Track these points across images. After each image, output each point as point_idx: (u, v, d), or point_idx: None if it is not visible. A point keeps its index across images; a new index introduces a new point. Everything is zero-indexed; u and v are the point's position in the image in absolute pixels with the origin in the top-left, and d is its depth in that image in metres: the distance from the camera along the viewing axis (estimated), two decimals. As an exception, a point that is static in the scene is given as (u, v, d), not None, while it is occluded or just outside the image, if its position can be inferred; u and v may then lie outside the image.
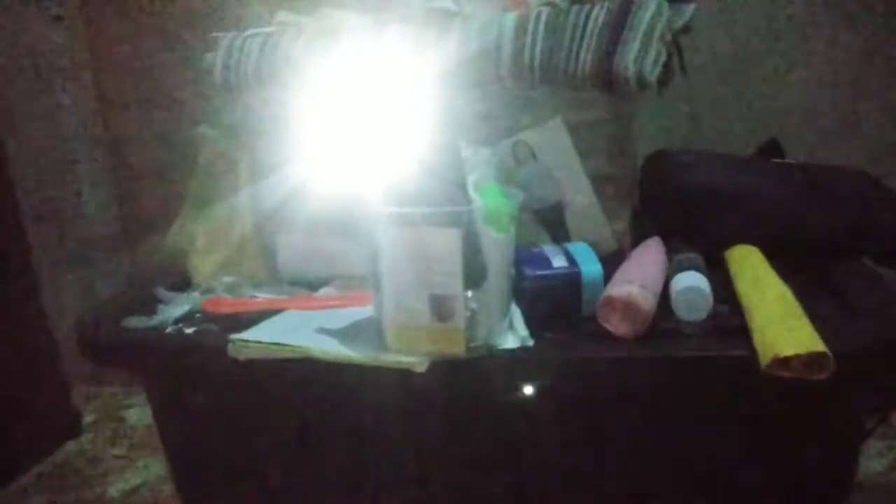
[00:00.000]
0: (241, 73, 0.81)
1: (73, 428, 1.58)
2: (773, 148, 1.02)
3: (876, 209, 0.81)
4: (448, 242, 0.59)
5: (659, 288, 0.69)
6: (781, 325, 0.57)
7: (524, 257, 0.71)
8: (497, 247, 0.62)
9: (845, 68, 1.27)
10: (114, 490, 1.38)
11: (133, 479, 1.42)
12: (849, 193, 0.85)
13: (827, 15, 1.26)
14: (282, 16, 0.87)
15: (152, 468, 1.45)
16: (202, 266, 0.87)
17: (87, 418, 1.66)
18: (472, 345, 0.63)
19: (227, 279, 0.87)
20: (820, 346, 0.53)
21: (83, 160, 1.52)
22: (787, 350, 0.53)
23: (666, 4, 0.74)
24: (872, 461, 1.35)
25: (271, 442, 0.72)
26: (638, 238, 0.84)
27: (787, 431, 0.63)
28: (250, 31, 0.83)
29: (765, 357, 0.54)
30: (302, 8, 0.97)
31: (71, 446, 1.56)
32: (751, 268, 0.71)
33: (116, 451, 1.54)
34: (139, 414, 1.69)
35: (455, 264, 0.60)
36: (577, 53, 0.71)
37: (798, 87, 1.28)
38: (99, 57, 1.47)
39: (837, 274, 0.73)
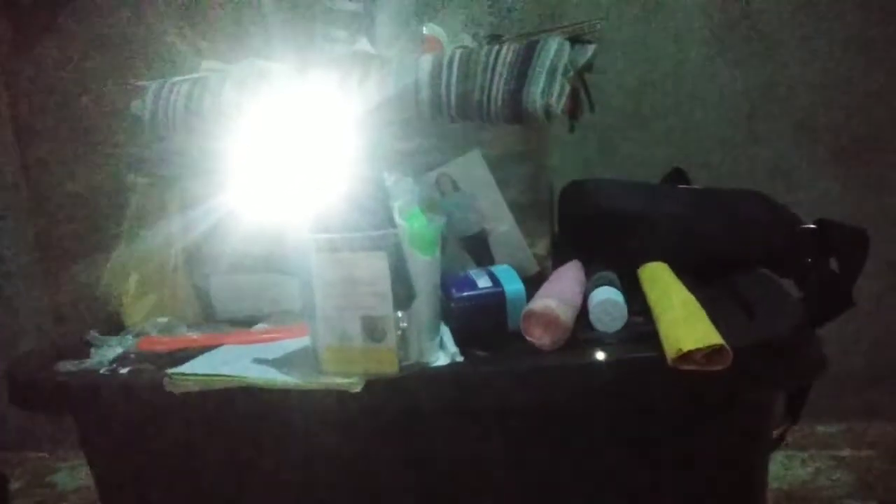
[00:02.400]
0: (170, 118, 0.83)
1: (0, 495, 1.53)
2: (678, 175, 1.10)
3: (768, 225, 0.88)
4: (376, 265, 0.62)
5: (578, 302, 0.74)
6: (685, 324, 0.62)
7: (451, 280, 0.74)
8: (424, 268, 0.66)
9: (742, 101, 1.39)
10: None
11: (65, 543, 1.38)
12: (746, 212, 0.92)
13: (721, 57, 1.38)
14: (208, 64, 0.90)
15: (84, 532, 1.41)
16: (135, 309, 0.88)
17: (15, 484, 1.60)
18: (404, 363, 0.66)
19: (161, 320, 0.87)
20: (718, 340, 0.58)
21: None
22: (689, 345, 0.58)
23: (567, 44, 0.81)
24: (797, 470, 1.43)
25: (212, 476, 0.73)
26: (558, 262, 0.89)
27: (695, 434, 0.68)
28: (177, 78, 0.86)
29: (670, 353, 0.59)
30: (228, 58, 1.01)
31: (-2, 514, 1.51)
32: (660, 280, 0.77)
33: (47, 517, 1.49)
34: (68, 477, 1.65)
35: (384, 286, 0.63)
36: (490, 91, 0.76)
37: (699, 118, 1.40)
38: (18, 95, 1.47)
39: (738, 282, 0.79)
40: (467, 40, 1.00)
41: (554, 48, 0.78)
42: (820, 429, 1.51)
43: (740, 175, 1.41)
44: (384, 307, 0.64)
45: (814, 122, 1.39)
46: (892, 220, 1.40)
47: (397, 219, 0.65)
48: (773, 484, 1.36)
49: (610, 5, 1.37)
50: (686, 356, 0.58)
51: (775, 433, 0.91)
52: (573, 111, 0.97)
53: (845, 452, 1.44)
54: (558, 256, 0.91)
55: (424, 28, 0.94)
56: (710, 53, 1.38)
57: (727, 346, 0.58)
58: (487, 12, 1.42)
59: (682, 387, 0.61)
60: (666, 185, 1.06)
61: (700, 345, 0.58)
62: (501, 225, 0.84)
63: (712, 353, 0.59)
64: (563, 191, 1.00)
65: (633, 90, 1.40)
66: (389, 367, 0.65)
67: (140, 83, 0.87)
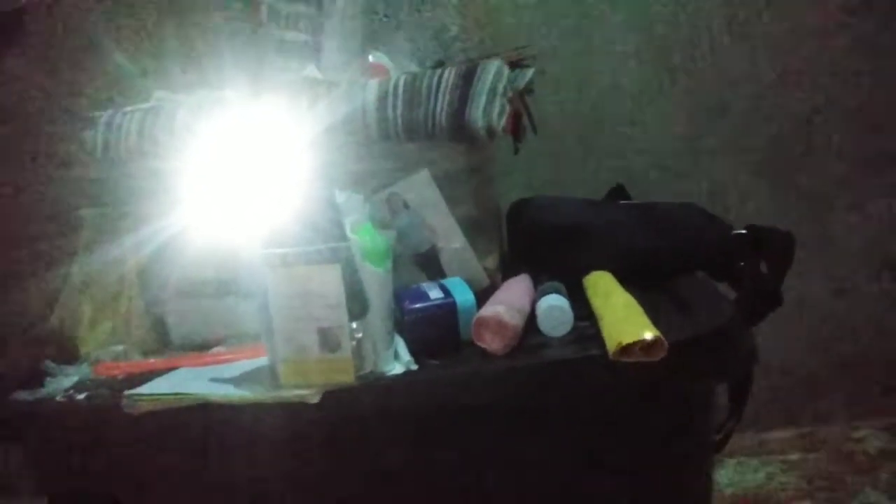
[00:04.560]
0: (122, 145, 0.84)
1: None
2: (619, 191, 1.15)
3: (703, 232, 0.93)
4: (330, 278, 0.65)
5: (526, 309, 0.77)
6: (625, 321, 0.66)
7: (404, 293, 0.77)
8: (376, 280, 0.69)
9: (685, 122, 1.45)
10: None
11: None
12: (681, 222, 0.97)
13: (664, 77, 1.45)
14: (160, 94, 0.92)
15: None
16: (90, 337, 0.88)
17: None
18: (360, 373, 0.68)
19: (116, 348, 0.87)
20: (654, 332, 0.62)
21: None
22: (628, 338, 0.62)
23: (506, 67, 0.86)
24: (749, 475, 1.47)
25: (171, 496, 0.73)
26: (508, 277, 0.92)
27: (639, 430, 0.71)
28: (129, 108, 0.88)
29: (611, 347, 0.63)
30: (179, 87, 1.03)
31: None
32: (603, 287, 0.81)
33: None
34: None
35: (338, 297, 0.65)
36: (434, 112, 0.80)
37: (642, 139, 1.46)
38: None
39: (676, 285, 0.83)
40: (413, 68, 1.04)
41: (493, 70, 0.82)
42: (771, 435, 1.56)
43: (678, 194, 1.47)
44: (339, 318, 0.66)
45: (747, 143, 1.46)
46: (832, 234, 1.48)
47: (349, 233, 0.67)
48: (726, 490, 1.40)
49: (551, 38, 1.43)
50: (626, 349, 0.62)
51: (720, 434, 0.95)
52: (516, 133, 1.02)
53: (795, 456, 1.49)
54: (507, 272, 0.94)
55: (371, 56, 0.98)
56: (647, 77, 1.45)
57: (662, 338, 0.62)
58: (432, 42, 1.46)
59: (625, 381, 0.64)
60: (607, 201, 1.11)
61: (638, 337, 0.61)
62: (451, 241, 0.87)
63: (650, 345, 0.62)
64: (510, 208, 1.04)
65: (574, 115, 1.46)
66: (346, 377, 0.67)
67: (91, 114, 0.88)
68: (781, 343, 1.49)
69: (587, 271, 0.90)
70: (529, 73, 0.93)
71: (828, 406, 1.55)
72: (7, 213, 1.40)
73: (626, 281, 0.85)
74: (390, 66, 0.99)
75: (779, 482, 1.42)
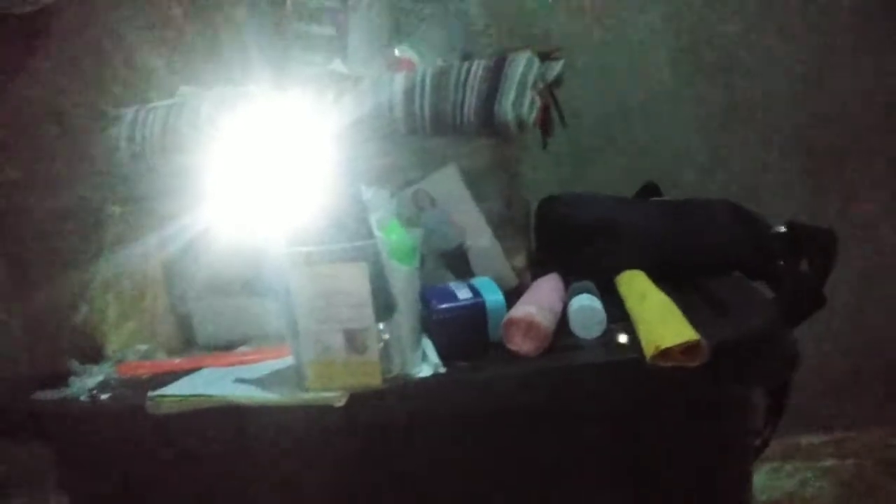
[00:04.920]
0: (147, 141, 0.83)
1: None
2: (651, 189, 1.12)
3: (740, 230, 0.90)
4: (356, 276, 0.63)
5: (557, 310, 0.74)
6: (662, 323, 0.63)
7: (431, 293, 0.75)
8: (404, 279, 0.67)
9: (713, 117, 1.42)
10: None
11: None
12: (716, 219, 0.94)
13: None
14: (184, 90, 0.91)
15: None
16: (115, 337, 0.87)
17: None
18: (387, 375, 0.66)
19: (142, 347, 0.87)
20: (694, 336, 0.59)
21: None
22: (667, 342, 0.59)
23: (536, 59, 0.83)
24: (783, 481, 1.43)
25: (193, 499, 0.72)
26: (536, 276, 0.90)
27: (677, 435, 0.68)
28: (153, 105, 0.87)
29: (649, 351, 0.60)
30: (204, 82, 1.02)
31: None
32: (637, 287, 0.78)
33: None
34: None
35: (365, 297, 0.63)
36: (462, 105, 0.78)
37: (671, 133, 1.43)
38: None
39: (712, 286, 0.80)
40: (439, 62, 1.02)
41: (523, 63, 0.80)
42: (804, 440, 1.52)
43: (711, 192, 1.44)
44: (365, 319, 0.64)
45: (780, 137, 1.42)
46: (862, 229, 1.43)
47: (375, 230, 0.65)
48: (759, 496, 1.37)
49: (579, 31, 1.41)
50: (664, 353, 0.59)
51: (757, 441, 0.91)
52: (545, 127, 0.99)
53: (829, 462, 1.45)
54: (537, 271, 0.92)
55: (396, 50, 0.96)
56: (678, 73, 1.42)
57: (703, 342, 0.59)
58: (459, 36, 1.44)
59: (662, 386, 0.62)
60: (639, 199, 1.08)
61: (677, 341, 0.59)
62: (480, 239, 0.85)
63: (689, 349, 0.59)
64: (539, 205, 1.02)
65: (604, 112, 1.43)
66: (373, 380, 0.65)
67: (116, 110, 0.88)
68: (815, 344, 1.46)
69: (619, 270, 0.87)
70: (559, 65, 0.91)
71: (862, 410, 1.51)
72: (34, 209, 1.40)
73: (660, 281, 0.82)
74: (416, 59, 0.97)
75: (812, 488, 1.38)
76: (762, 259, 0.86)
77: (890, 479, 1.36)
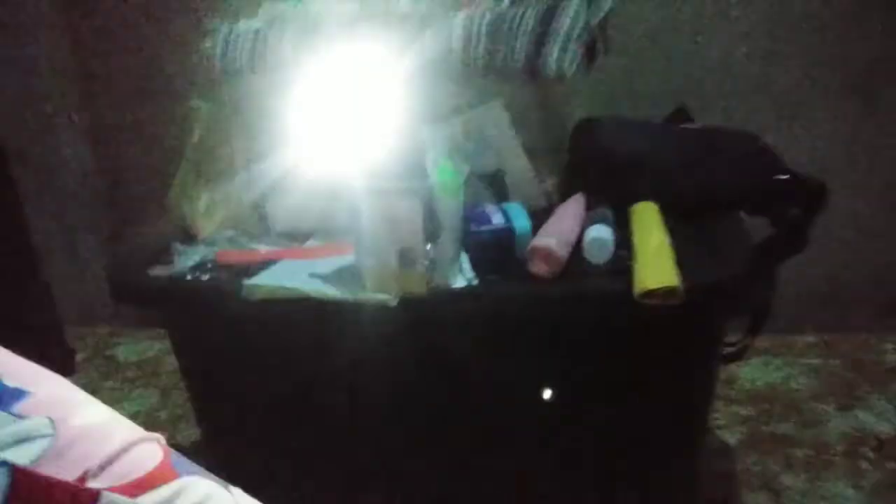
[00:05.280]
0: (237, 61, 0.96)
1: (67, 366, 1.72)
2: (682, 114, 1.22)
3: (749, 172, 1.01)
4: (412, 209, 0.78)
5: (573, 239, 0.89)
6: (652, 265, 0.78)
7: (471, 215, 0.90)
8: (449, 210, 0.82)
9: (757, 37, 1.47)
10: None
11: (130, 408, 1.60)
12: (733, 158, 1.05)
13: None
14: (267, 7, 1.02)
15: (146, 399, 1.62)
16: (206, 223, 1.05)
17: (80, 356, 1.81)
18: (431, 285, 0.83)
19: (228, 233, 1.04)
20: (674, 281, 0.75)
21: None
22: (651, 284, 0.74)
23: (585, 5, 0.92)
24: (771, 374, 1.60)
25: (278, 370, 0.92)
26: (567, 193, 1.03)
27: (660, 355, 0.85)
28: (242, 25, 0.99)
29: (637, 289, 0.76)
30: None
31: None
32: (644, 221, 0.92)
33: (111, 384, 1.71)
34: (127, 351, 1.86)
35: (417, 225, 0.79)
36: (513, 52, 0.89)
37: (714, 51, 1.49)
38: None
39: (712, 223, 0.94)
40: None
41: (571, 15, 0.89)
42: (798, 339, 1.68)
43: (753, 106, 1.52)
44: (416, 241, 0.80)
45: (823, 56, 1.48)
46: (888, 153, 1.52)
47: (429, 169, 0.80)
48: (745, 385, 1.55)
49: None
50: (649, 293, 0.75)
51: (736, 347, 1.08)
52: (590, 58, 1.08)
53: (815, 361, 1.62)
54: (568, 183, 1.05)
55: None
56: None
57: (681, 288, 0.74)
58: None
59: (646, 316, 0.77)
60: (668, 125, 1.18)
61: (659, 285, 0.74)
62: (517, 165, 0.98)
63: (669, 291, 0.75)
64: (575, 127, 1.13)
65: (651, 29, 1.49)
66: (419, 288, 0.82)
67: (211, 23, 1.00)
68: (823, 252, 1.58)
69: (637, 199, 1.00)
70: (608, 3, 0.99)
71: (855, 315, 1.66)
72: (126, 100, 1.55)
73: (671, 211, 0.95)
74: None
75: (797, 383, 1.55)
76: (764, 201, 0.98)
77: (868, 383, 1.52)
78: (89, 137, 1.74)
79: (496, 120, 0.96)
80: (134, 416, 1.27)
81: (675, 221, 0.93)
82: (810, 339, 1.68)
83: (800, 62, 1.49)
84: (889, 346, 1.63)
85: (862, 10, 1.44)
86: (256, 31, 0.96)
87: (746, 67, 1.50)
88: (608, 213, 0.96)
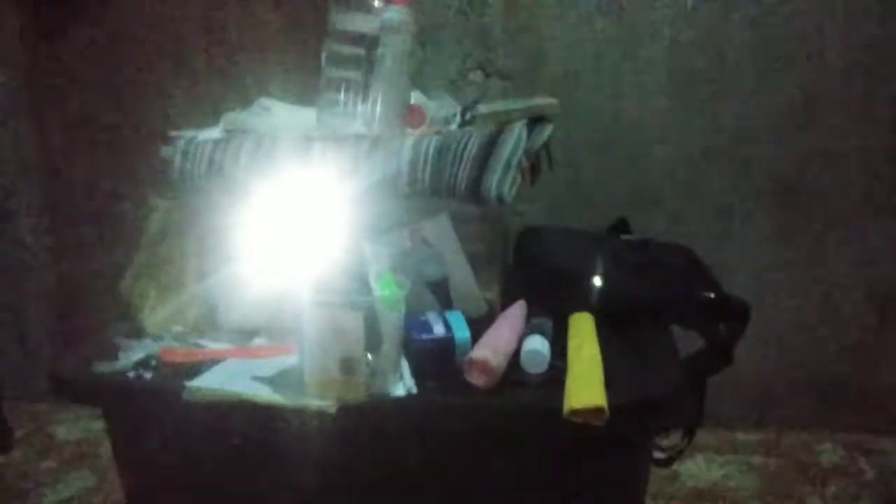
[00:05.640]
0: (194, 174, 1.01)
1: (4, 442, 1.68)
2: (622, 225, 1.29)
3: (680, 288, 1.08)
4: (353, 321, 0.82)
5: (511, 348, 0.93)
6: (580, 383, 0.82)
7: (413, 323, 0.93)
8: (390, 321, 0.86)
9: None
10: (46, 501, 1.52)
11: (64, 491, 1.56)
12: (666, 272, 1.12)
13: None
14: (229, 118, 1.07)
15: (81, 480, 1.59)
16: (153, 319, 1.06)
17: (18, 433, 1.77)
18: (371, 392, 0.86)
19: (176, 329, 1.06)
20: (600, 401, 0.78)
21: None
22: (577, 404, 0.78)
23: (525, 133, 0.99)
24: (712, 472, 1.63)
25: (216, 473, 0.92)
26: (509, 300, 1.08)
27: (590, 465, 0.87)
28: (202, 136, 1.04)
29: (566, 408, 0.79)
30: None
31: (2, 460, 1.67)
32: (579, 333, 0.97)
33: (48, 464, 1.67)
34: (67, 430, 1.82)
35: (359, 336, 0.82)
36: (456, 177, 0.95)
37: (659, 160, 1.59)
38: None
39: (643, 337, 0.99)
40: (447, 102, 1.18)
41: (512, 142, 0.96)
42: (739, 437, 1.73)
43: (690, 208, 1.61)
44: (357, 351, 0.83)
45: (752, 168, 1.59)
46: (819, 256, 1.61)
47: (372, 283, 0.84)
48: (688, 483, 1.58)
49: (590, 50, 1.55)
50: (576, 412, 0.78)
51: (670, 452, 1.12)
52: (533, 176, 1.15)
53: (756, 459, 1.66)
54: (510, 289, 1.09)
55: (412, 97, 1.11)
56: (670, 104, 1.57)
57: (605, 409, 0.78)
58: (477, 48, 1.59)
59: (575, 431, 0.81)
60: (607, 236, 1.25)
61: (585, 404, 0.78)
62: (460, 274, 1.03)
63: (596, 410, 0.79)
64: (518, 235, 1.19)
65: (602, 131, 1.59)
66: (359, 395, 0.85)
67: (172, 133, 1.04)
68: (760, 352, 1.66)
69: (575, 309, 1.05)
70: (547, 129, 1.07)
71: (796, 414, 1.72)
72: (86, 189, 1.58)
73: (604, 322, 1.00)
74: (427, 104, 1.13)
75: (736, 481, 1.58)
76: (694, 316, 1.04)
77: (806, 484, 1.56)
78: (45, 219, 1.76)
79: (442, 232, 1.01)
80: (68, 501, 1.24)
81: (610, 333, 0.98)
82: (752, 437, 1.72)
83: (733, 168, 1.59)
84: (828, 445, 1.68)
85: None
86: (214, 145, 1.01)
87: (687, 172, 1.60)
88: (547, 323, 1.00)
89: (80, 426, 1.82)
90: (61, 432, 1.81)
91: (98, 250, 1.66)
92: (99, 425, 1.76)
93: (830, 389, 1.70)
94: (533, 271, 1.11)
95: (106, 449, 1.63)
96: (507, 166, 0.94)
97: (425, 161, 0.95)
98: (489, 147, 0.95)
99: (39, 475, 1.60)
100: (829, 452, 1.67)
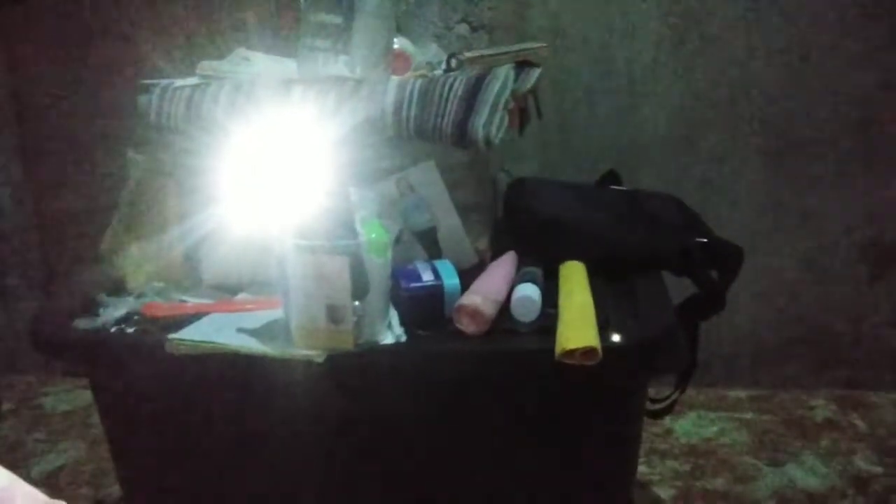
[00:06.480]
0: (172, 119, 0.97)
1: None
2: (612, 177, 1.27)
3: (671, 235, 1.06)
4: (339, 267, 0.79)
5: (501, 297, 0.91)
6: (574, 325, 0.80)
7: (401, 272, 0.91)
8: (377, 268, 0.83)
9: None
10: (36, 472, 1.50)
11: (55, 460, 1.55)
12: (656, 220, 1.10)
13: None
14: (205, 66, 1.03)
15: (72, 450, 1.57)
16: (135, 275, 1.04)
17: (5, 406, 1.76)
18: (359, 341, 0.84)
19: (158, 285, 1.03)
20: (593, 342, 0.77)
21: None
22: (571, 344, 0.76)
23: (512, 75, 0.96)
24: (705, 428, 1.63)
25: (201, 424, 0.90)
26: (499, 251, 1.06)
27: (583, 411, 0.86)
28: (178, 83, 1.00)
29: (558, 349, 0.78)
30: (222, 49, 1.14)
31: (-10, 432, 1.66)
32: (570, 281, 0.95)
33: (37, 435, 1.66)
34: (55, 401, 1.80)
35: (345, 282, 0.80)
36: (442, 119, 0.92)
37: (646, 116, 1.56)
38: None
39: (634, 283, 0.97)
40: (433, 50, 1.14)
41: (499, 83, 0.93)
42: (731, 394, 1.73)
43: (680, 165, 1.59)
44: (344, 298, 0.81)
45: (748, 118, 1.56)
46: (807, 215, 1.60)
47: (358, 228, 0.81)
48: (681, 440, 1.57)
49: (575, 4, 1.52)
50: (569, 353, 0.77)
51: (664, 403, 1.11)
52: (521, 122, 1.13)
53: (749, 416, 1.66)
54: (500, 240, 1.07)
55: (395, 41, 1.08)
56: (659, 56, 1.54)
57: (598, 349, 0.76)
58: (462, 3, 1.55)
59: (568, 375, 0.79)
60: (597, 188, 1.23)
61: (579, 345, 0.76)
62: (448, 223, 1.01)
63: (588, 351, 0.77)
64: (508, 187, 1.16)
65: (590, 81, 1.56)
66: (346, 345, 0.83)
67: (147, 81, 1.01)
68: (754, 308, 1.65)
69: (566, 258, 1.03)
70: (535, 73, 1.04)
71: (790, 372, 1.72)
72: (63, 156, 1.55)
73: (595, 271, 0.99)
74: (412, 51, 1.10)
75: (730, 438, 1.58)
76: (685, 264, 1.02)
77: (797, 436, 1.56)
78: (27, 187, 1.72)
79: (429, 179, 0.99)
80: (59, 470, 1.23)
81: (601, 281, 0.96)
82: (743, 394, 1.72)
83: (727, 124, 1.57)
84: (820, 401, 1.68)
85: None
86: (192, 89, 0.97)
87: (677, 128, 1.58)
88: (537, 272, 0.98)
89: (69, 397, 1.80)
90: (50, 403, 1.80)
91: (80, 209, 1.63)
92: (88, 396, 1.75)
93: (821, 345, 1.69)
94: (523, 222, 1.08)
95: (96, 419, 1.62)
96: (494, 107, 0.91)
97: (409, 102, 0.92)
98: (475, 88, 0.93)
99: (29, 447, 1.59)
100: (821, 408, 1.67)
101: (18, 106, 1.65)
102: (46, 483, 1.45)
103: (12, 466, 1.53)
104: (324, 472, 0.92)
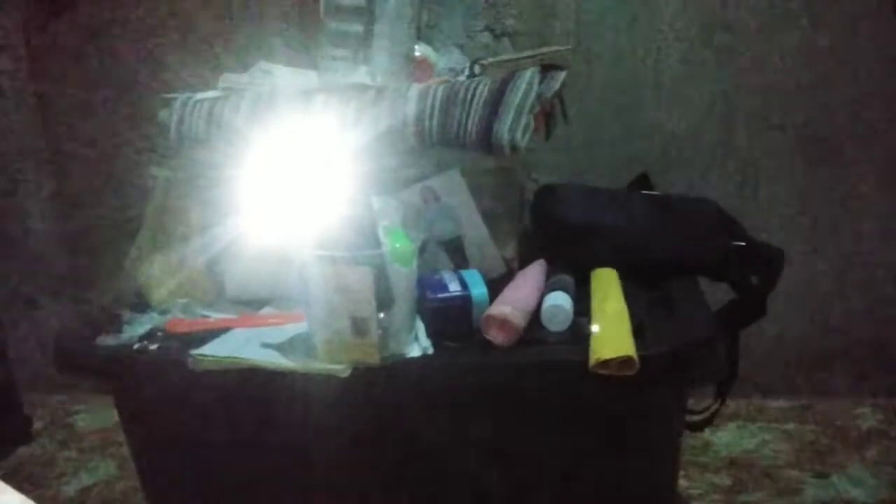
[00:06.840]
0: (192, 133, 0.96)
1: (24, 434, 1.67)
2: (643, 181, 1.23)
3: (707, 239, 1.02)
4: (363, 278, 0.77)
5: (531, 306, 0.88)
6: (609, 335, 0.77)
7: (427, 282, 0.89)
8: (402, 278, 0.81)
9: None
10: (66, 491, 1.50)
11: (86, 478, 1.55)
12: (691, 223, 1.06)
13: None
14: (226, 79, 1.02)
15: (102, 469, 1.57)
16: (158, 291, 1.02)
17: (37, 424, 1.76)
18: (384, 354, 0.81)
19: (182, 301, 1.02)
20: (629, 352, 0.73)
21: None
22: (606, 354, 0.73)
23: (538, 77, 0.93)
24: (746, 440, 1.58)
25: (225, 440, 0.88)
26: (527, 260, 1.03)
27: (619, 423, 0.83)
28: (199, 95, 0.99)
29: (592, 359, 0.74)
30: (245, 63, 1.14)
31: (23, 451, 1.66)
32: (603, 288, 0.91)
33: (67, 454, 1.66)
34: (86, 419, 1.81)
35: (369, 294, 0.77)
36: (465, 125, 0.90)
37: (674, 124, 1.52)
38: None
39: (670, 288, 0.93)
40: (456, 56, 1.12)
41: (524, 86, 0.90)
42: (772, 404, 1.67)
43: (714, 168, 1.55)
44: (368, 310, 0.78)
45: (782, 122, 1.52)
46: (849, 216, 1.54)
47: (382, 238, 0.79)
48: (721, 451, 1.52)
49: (600, 9, 1.48)
50: (605, 363, 0.73)
51: (703, 414, 1.07)
52: (547, 127, 1.10)
53: (790, 426, 1.60)
54: (529, 249, 1.04)
55: (417, 48, 1.06)
56: (688, 57, 1.50)
57: (635, 359, 0.73)
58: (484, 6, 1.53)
59: (603, 386, 0.76)
60: (628, 193, 1.19)
61: (614, 355, 0.72)
62: (475, 232, 0.98)
63: (625, 360, 0.73)
64: (535, 193, 1.13)
65: (618, 87, 1.52)
66: (371, 358, 0.80)
67: (168, 95, 1.00)
68: (795, 317, 1.59)
69: (597, 265, 1.00)
70: (561, 76, 1.01)
71: (829, 381, 1.65)
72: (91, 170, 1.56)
73: (628, 278, 0.95)
74: (434, 57, 1.08)
75: (771, 449, 1.53)
76: (723, 268, 0.98)
77: (842, 447, 1.50)
78: (55, 203, 1.73)
79: (454, 187, 0.96)
80: (90, 489, 1.21)
81: (635, 287, 0.93)
82: (785, 404, 1.66)
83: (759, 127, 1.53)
84: (865, 410, 1.62)
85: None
86: (212, 101, 0.96)
87: (708, 128, 1.54)
88: (568, 280, 0.95)
89: (99, 416, 1.80)
90: (80, 422, 1.80)
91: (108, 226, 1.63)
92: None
93: (864, 355, 1.62)
94: (552, 229, 1.05)
95: (125, 437, 1.63)
96: (519, 111, 0.89)
97: (432, 109, 0.90)
98: (500, 92, 0.90)
99: (60, 466, 1.59)
100: (866, 417, 1.60)
101: (46, 119, 1.67)
102: (77, 502, 1.45)
103: (43, 486, 1.53)
104: (350, 488, 0.89)
